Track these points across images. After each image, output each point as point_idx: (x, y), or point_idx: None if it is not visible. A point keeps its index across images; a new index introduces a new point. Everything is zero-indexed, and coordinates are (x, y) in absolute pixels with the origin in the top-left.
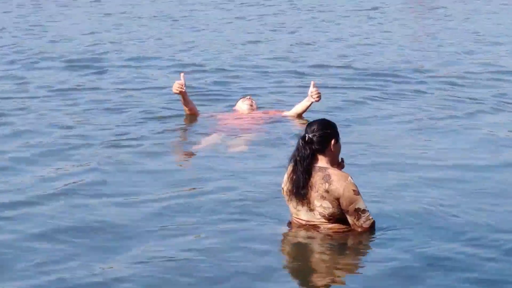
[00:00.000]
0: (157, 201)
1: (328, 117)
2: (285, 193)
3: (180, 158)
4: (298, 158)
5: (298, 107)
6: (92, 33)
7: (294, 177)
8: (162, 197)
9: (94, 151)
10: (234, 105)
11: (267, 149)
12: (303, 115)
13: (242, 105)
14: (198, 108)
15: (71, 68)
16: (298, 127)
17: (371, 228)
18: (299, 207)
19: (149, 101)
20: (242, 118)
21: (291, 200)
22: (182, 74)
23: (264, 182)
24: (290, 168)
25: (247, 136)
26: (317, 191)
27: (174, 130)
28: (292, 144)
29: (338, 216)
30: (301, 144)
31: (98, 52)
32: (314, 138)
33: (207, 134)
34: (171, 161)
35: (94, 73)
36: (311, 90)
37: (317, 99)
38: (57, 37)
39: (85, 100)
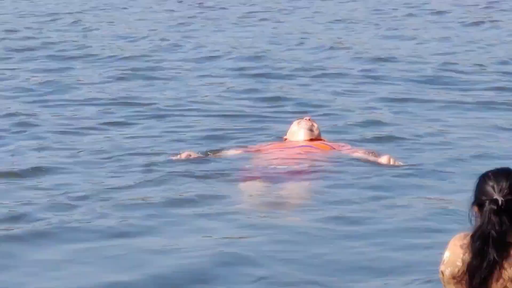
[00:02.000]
0: None
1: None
2: (447, 278)
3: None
4: (495, 235)
5: (371, 158)
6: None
7: (477, 262)
8: None
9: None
10: (284, 134)
11: (340, 207)
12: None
13: (297, 131)
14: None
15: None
16: (378, 177)
17: None
18: None
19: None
20: (294, 150)
21: None
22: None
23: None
24: (463, 243)
25: (303, 184)
26: (499, 279)
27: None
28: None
29: None
30: (493, 212)
31: None
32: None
33: (234, 181)
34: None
35: None
36: (391, 162)
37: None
38: None
39: None
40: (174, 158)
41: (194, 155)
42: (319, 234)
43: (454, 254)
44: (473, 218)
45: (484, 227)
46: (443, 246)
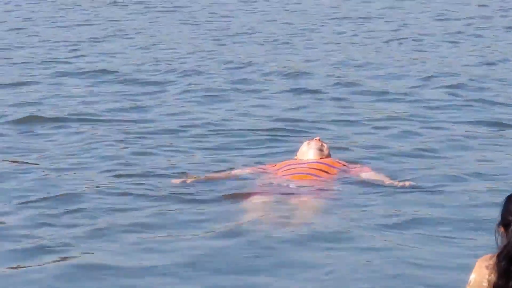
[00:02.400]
0: None
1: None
2: None
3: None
4: None
5: (380, 177)
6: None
7: (503, 282)
8: None
9: None
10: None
11: (349, 227)
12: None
13: (307, 150)
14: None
15: None
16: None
17: None
18: None
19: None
20: (303, 166)
21: None
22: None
23: None
24: (489, 263)
25: (312, 203)
26: None
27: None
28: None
29: None
30: None
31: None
32: None
33: (243, 201)
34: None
35: None
36: (399, 184)
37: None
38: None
39: None
40: (174, 181)
41: (195, 177)
42: (326, 252)
43: (480, 275)
44: (499, 238)
45: (509, 247)
46: (456, 271)
